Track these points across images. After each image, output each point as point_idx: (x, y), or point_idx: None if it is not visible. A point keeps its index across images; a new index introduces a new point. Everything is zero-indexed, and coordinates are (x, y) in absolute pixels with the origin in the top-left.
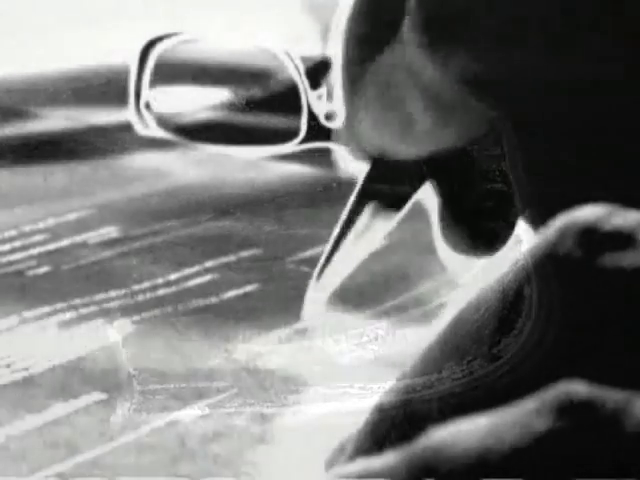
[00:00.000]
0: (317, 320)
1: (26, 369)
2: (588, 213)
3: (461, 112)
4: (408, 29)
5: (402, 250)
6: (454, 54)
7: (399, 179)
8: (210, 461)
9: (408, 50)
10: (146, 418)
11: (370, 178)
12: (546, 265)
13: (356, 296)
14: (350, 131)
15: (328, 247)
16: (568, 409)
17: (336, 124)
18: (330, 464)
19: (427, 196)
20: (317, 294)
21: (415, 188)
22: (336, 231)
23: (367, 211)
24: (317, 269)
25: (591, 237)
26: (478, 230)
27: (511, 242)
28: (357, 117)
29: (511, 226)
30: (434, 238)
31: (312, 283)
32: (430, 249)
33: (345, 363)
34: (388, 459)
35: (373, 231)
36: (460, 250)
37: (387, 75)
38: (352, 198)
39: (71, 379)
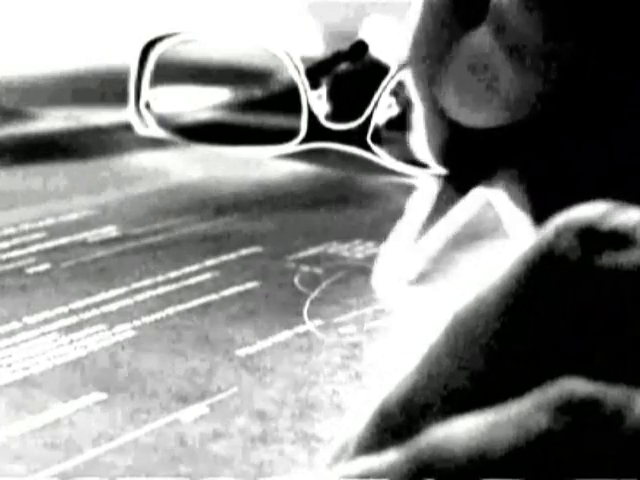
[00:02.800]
0: (396, 301)
1: (26, 369)
2: (586, 212)
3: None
4: None
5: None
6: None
7: (474, 161)
8: (210, 461)
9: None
10: (146, 418)
11: (445, 158)
12: (544, 265)
13: (439, 276)
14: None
15: (409, 229)
16: (568, 407)
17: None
18: (331, 464)
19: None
20: (397, 275)
21: (490, 173)
22: (417, 214)
23: (447, 193)
24: (397, 251)
25: (589, 236)
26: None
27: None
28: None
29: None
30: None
31: (389, 264)
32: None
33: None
34: (388, 458)
35: (447, 210)
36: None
37: (475, 48)
38: (433, 182)
39: (71, 379)
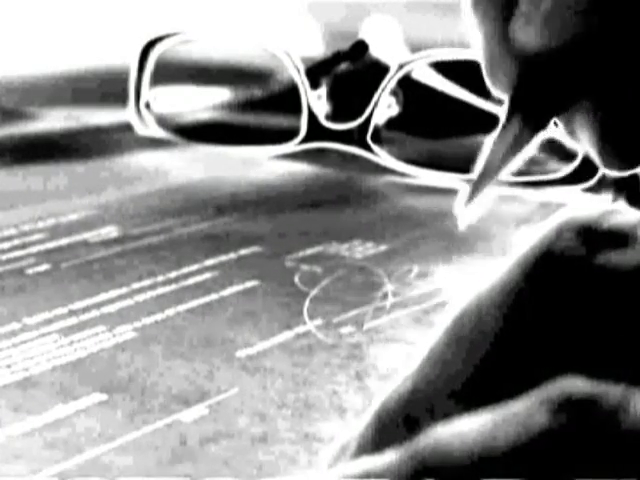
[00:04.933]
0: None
1: (26, 369)
2: (586, 211)
3: None
4: None
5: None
6: None
7: (547, 93)
8: (210, 462)
9: None
10: (146, 418)
11: (517, 92)
12: (544, 263)
13: None
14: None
15: (480, 164)
16: (567, 406)
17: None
18: (331, 464)
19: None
20: (469, 211)
21: (563, 105)
22: (487, 148)
23: (516, 125)
24: (468, 190)
25: (589, 235)
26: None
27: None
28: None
29: None
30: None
31: (460, 204)
32: None
33: None
34: (389, 458)
35: (522, 146)
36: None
37: None
38: (501, 115)
39: (71, 380)
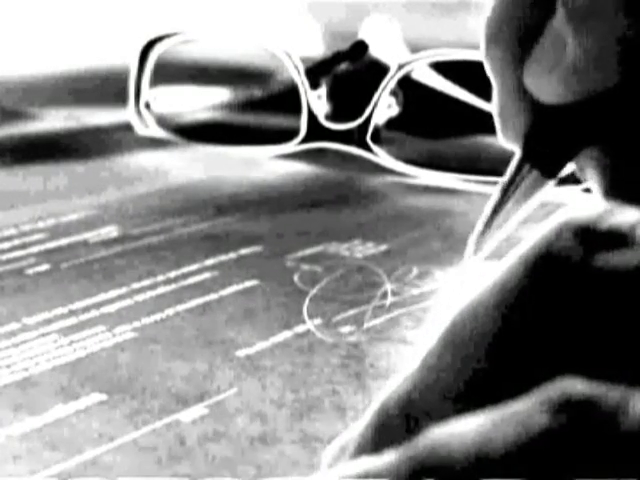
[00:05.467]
0: (469, 273)
1: (26, 369)
2: (585, 212)
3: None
4: None
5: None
6: None
7: (559, 143)
8: (210, 461)
9: None
10: (146, 419)
11: (529, 142)
12: (543, 264)
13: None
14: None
15: (488, 211)
16: (566, 407)
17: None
18: (331, 464)
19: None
20: (476, 255)
21: (575, 153)
22: (496, 195)
23: (527, 175)
24: (476, 232)
25: (588, 236)
26: None
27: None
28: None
29: None
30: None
31: (470, 246)
32: None
33: None
34: (388, 458)
35: (532, 194)
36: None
37: (555, 28)
38: (513, 162)
39: (71, 380)
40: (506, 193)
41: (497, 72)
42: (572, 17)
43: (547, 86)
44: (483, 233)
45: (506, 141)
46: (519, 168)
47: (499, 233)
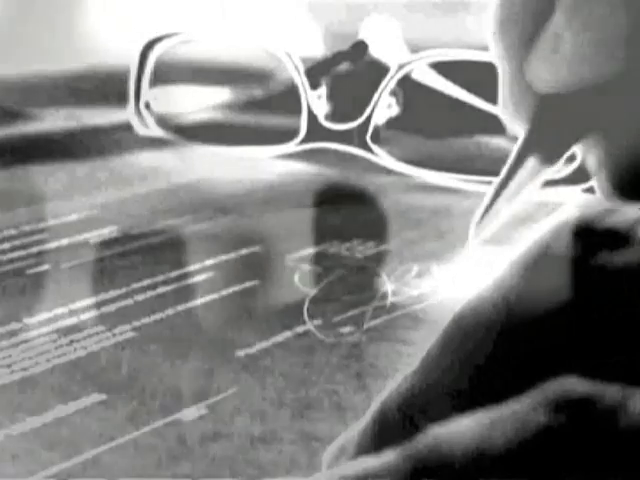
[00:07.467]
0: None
1: (26, 369)
2: (585, 211)
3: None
4: None
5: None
6: None
7: (559, 130)
8: (210, 461)
9: None
10: (146, 418)
11: (532, 128)
12: (541, 264)
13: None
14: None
15: (489, 195)
16: (565, 406)
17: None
18: (331, 464)
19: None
20: (477, 238)
21: (574, 141)
22: (499, 179)
23: (529, 161)
24: (479, 215)
25: (586, 235)
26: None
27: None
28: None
29: None
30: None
31: (472, 228)
32: None
33: None
34: (388, 458)
35: (532, 179)
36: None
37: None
38: (516, 148)
39: (71, 380)
40: (508, 177)
41: (504, 57)
42: (566, 8)
43: (541, 76)
44: (483, 217)
45: (509, 124)
46: (522, 152)
47: (499, 217)
